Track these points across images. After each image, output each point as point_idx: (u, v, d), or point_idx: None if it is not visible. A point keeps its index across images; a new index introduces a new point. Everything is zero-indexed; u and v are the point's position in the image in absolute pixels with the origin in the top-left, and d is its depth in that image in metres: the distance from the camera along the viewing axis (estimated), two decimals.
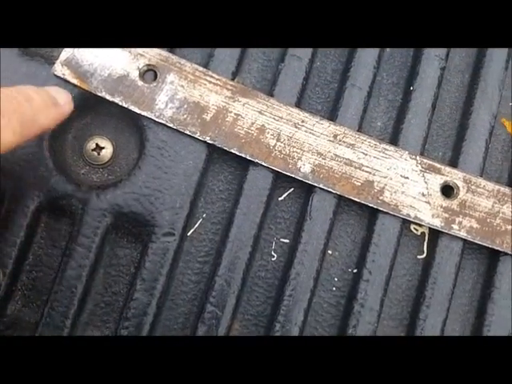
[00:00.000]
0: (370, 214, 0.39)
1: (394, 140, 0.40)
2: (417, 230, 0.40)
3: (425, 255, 0.40)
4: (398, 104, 0.41)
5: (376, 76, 0.41)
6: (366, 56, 0.40)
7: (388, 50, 0.42)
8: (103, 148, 0.38)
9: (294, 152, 0.38)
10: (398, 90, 0.41)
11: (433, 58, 0.41)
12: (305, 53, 0.40)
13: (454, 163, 0.41)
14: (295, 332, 0.37)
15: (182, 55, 0.39)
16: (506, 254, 0.40)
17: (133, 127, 0.38)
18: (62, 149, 0.36)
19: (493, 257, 0.40)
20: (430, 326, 0.39)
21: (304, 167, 0.38)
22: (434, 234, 0.40)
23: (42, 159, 0.36)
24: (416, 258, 0.40)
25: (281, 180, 0.39)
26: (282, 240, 0.39)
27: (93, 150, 0.38)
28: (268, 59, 0.41)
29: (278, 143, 0.38)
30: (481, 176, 0.40)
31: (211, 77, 0.38)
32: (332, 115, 0.40)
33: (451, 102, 0.42)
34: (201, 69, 0.38)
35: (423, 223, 0.39)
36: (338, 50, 0.42)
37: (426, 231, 0.40)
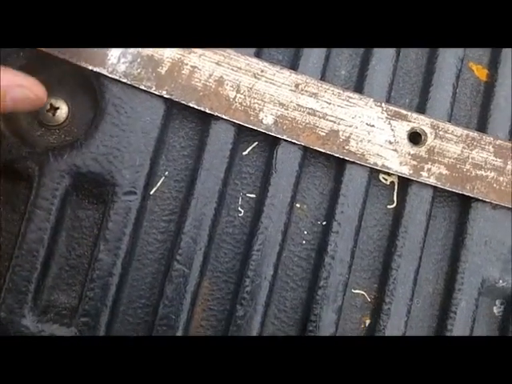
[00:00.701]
0: (337, 165, 0.39)
1: (358, 88, 0.39)
2: (386, 180, 0.40)
3: (395, 204, 0.40)
4: (362, 51, 0.40)
5: None
6: None
7: None
8: (58, 108, 0.36)
9: (255, 103, 0.37)
10: None
11: None
12: None
13: (421, 110, 0.40)
14: (265, 287, 0.37)
15: None
16: (477, 200, 0.39)
17: (87, 85, 0.37)
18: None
19: (464, 203, 0.40)
20: (403, 275, 0.38)
21: (266, 119, 0.37)
22: (404, 183, 0.39)
23: None
24: (386, 207, 0.40)
25: (244, 134, 0.38)
26: (248, 195, 0.38)
27: (47, 110, 0.36)
28: None
29: (238, 95, 0.37)
30: (449, 122, 0.39)
31: None
32: (293, 65, 0.38)
33: None
34: None
35: (391, 171, 0.38)
36: None
37: (396, 180, 0.39)
